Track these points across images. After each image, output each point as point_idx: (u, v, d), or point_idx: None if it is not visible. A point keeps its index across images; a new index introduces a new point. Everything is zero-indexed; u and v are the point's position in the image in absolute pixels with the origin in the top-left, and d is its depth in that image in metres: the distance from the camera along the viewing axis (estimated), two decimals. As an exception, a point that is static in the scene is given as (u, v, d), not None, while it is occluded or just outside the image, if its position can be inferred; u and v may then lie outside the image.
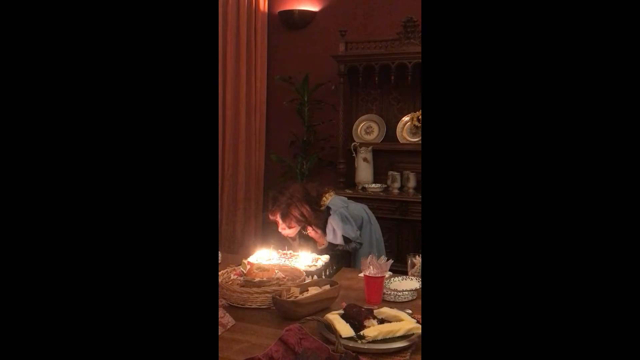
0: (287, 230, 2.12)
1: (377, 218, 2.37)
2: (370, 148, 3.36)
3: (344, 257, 2.18)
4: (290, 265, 1.85)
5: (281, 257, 1.96)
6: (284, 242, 2.16)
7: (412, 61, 3.12)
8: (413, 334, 1.27)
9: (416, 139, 3.31)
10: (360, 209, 2.27)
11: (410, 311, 1.41)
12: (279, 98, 3.76)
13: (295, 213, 2.06)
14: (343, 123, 3.40)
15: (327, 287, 1.56)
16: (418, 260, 1.80)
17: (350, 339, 1.25)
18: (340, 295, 1.57)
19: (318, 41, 3.67)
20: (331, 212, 2.12)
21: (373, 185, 3.34)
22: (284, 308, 1.46)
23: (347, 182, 3.42)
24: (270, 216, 2.13)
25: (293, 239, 2.20)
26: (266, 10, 3.78)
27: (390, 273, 1.74)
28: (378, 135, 3.46)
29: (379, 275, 1.57)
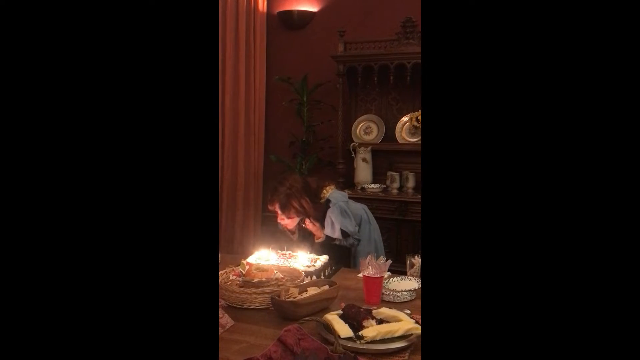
0: (286, 221, 2.10)
1: (376, 218, 2.36)
2: (369, 148, 3.36)
3: (342, 257, 2.16)
4: (289, 265, 1.85)
5: (280, 258, 1.96)
6: (283, 243, 2.16)
7: (411, 61, 3.12)
8: (412, 334, 1.27)
9: (415, 139, 3.31)
10: (360, 209, 2.26)
11: (409, 311, 1.41)
12: (278, 98, 3.76)
13: (295, 204, 2.04)
14: (342, 123, 3.40)
15: (326, 287, 1.56)
16: (417, 260, 1.80)
17: (349, 339, 1.25)
18: (339, 295, 1.57)
19: (317, 41, 3.67)
20: (330, 205, 2.10)
21: (372, 185, 3.34)
22: (282, 308, 1.45)
23: (346, 183, 3.42)
24: (269, 206, 2.11)
25: (292, 232, 2.18)
26: (265, 10, 3.77)
27: (389, 273, 1.74)
28: (377, 135, 3.46)
29: (378, 276, 1.57)
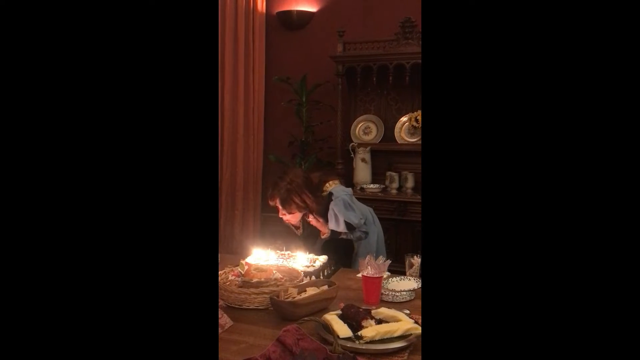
0: (287, 216, 2.06)
1: (375, 218, 2.35)
2: (368, 148, 3.36)
3: (343, 257, 2.13)
4: (288, 265, 1.84)
5: (279, 258, 1.95)
6: (286, 240, 2.14)
7: (410, 61, 3.12)
8: (411, 334, 1.26)
9: (414, 140, 3.31)
10: (366, 209, 2.20)
11: (408, 311, 1.41)
12: (277, 98, 3.76)
13: (296, 199, 1.99)
14: (341, 123, 3.40)
15: (325, 287, 1.56)
16: (416, 260, 1.80)
17: (348, 339, 1.25)
18: (338, 295, 1.57)
19: (316, 42, 3.67)
20: (333, 198, 2.03)
21: (371, 185, 3.34)
22: (281, 309, 1.45)
23: (345, 183, 3.39)
24: (269, 201, 2.06)
25: (297, 227, 2.15)
26: (264, 10, 3.77)
27: (388, 273, 1.74)
28: (376, 135, 3.46)
29: (377, 276, 1.57)
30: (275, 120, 3.88)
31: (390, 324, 1.30)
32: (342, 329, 1.27)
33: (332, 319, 1.31)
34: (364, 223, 2.09)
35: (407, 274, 1.80)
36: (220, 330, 1.34)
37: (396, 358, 1.21)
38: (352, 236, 2.07)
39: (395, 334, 1.26)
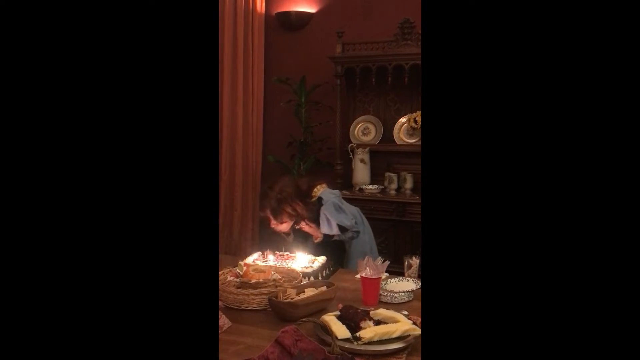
0: (279, 226, 2.07)
1: (374, 219, 2.36)
2: (367, 149, 3.36)
3: (334, 258, 2.12)
4: (286, 266, 1.84)
5: (278, 259, 1.95)
6: (281, 244, 2.15)
7: (409, 62, 3.13)
8: (409, 335, 1.27)
9: (413, 140, 3.32)
10: (354, 210, 2.23)
11: (406, 312, 1.41)
12: (276, 99, 3.76)
13: (287, 208, 2.01)
14: (340, 124, 3.41)
15: (324, 288, 1.56)
16: (415, 261, 1.80)
17: (346, 340, 1.25)
18: (336, 296, 1.57)
19: (315, 42, 3.67)
20: (323, 202, 2.05)
21: (370, 186, 3.34)
22: (280, 309, 1.45)
23: (344, 184, 3.42)
24: (261, 213, 2.07)
25: (287, 233, 2.16)
26: (263, 11, 3.78)
27: (387, 274, 1.74)
28: (375, 136, 3.46)
29: (376, 277, 1.57)
30: (274, 120, 3.88)
31: (388, 325, 1.30)
32: (341, 330, 1.27)
33: (331, 319, 1.31)
34: (355, 223, 2.11)
35: (406, 274, 1.80)
36: (218, 331, 1.34)
37: (394, 359, 1.22)
38: (344, 237, 2.08)
39: (394, 335, 1.26)
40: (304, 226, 2.10)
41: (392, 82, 3.22)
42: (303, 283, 1.63)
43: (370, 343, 1.24)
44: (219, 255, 2.01)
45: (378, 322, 1.33)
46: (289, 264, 1.88)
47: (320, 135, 3.60)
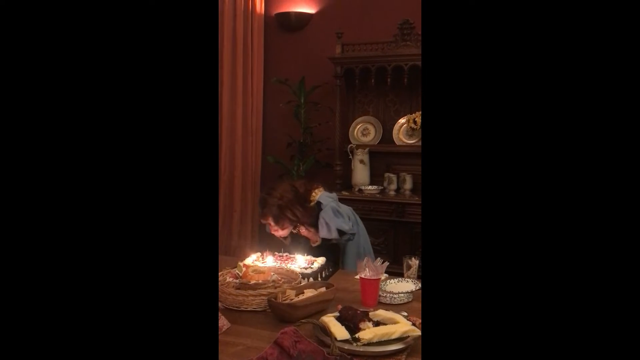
0: (280, 232, 2.08)
1: (373, 220, 2.36)
2: (366, 150, 3.36)
3: (330, 259, 2.13)
4: (286, 267, 1.84)
5: (277, 260, 1.95)
6: (279, 245, 2.15)
7: (408, 63, 3.13)
8: (408, 336, 1.26)
9: (412, 141, 3.32)
10: (348, 210, 2.23)
11: (405, 313, 1.41)
12: (276, 100, 3.76)
13: (288, 214, 2.01)
14: (339, 125, 3.41)
15: (323, 289, 1.56)
16: (414, 262, 1.80)
17: (345, 341, 1.25)
18: (335, 297, 1.57)
19: (314, 43, 3.67)
20: (322, 207, 2.06)
21: (369, 187, 3.34)
22: (279, 311, 1.45)
23: (343, 184, 3.42)
24: (261, 220, 2.07)
25: (285, 237, 2.18)
26: (262, 12, 3.78)
27: (386, 275, 1.73)
28: (374, 137, 3.46)
29: (375, 278, 1.56)
30: (273, 121, 3.88)
31: (387, 326, 1.30)
32: (340, 331, 1.27)
33: (330, 321, 1.31)
34: (351, 225, 2.12)
35: (405, 275, 1.80)
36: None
37: (394, 360, 1.22)
38: (341, 240, 2.10)
39: (393, 336, 1.26)
40: (303, 231, 2.11)
41: (392, 82, 3.22)
42: (302, 284, 1.63)
43: (369, 344, 1.24)
44: (219, 256, 2.01)
45: (377, 323, 1.32)
46: (289, 265, 1.88)
47: (319, 136, 3.60)
